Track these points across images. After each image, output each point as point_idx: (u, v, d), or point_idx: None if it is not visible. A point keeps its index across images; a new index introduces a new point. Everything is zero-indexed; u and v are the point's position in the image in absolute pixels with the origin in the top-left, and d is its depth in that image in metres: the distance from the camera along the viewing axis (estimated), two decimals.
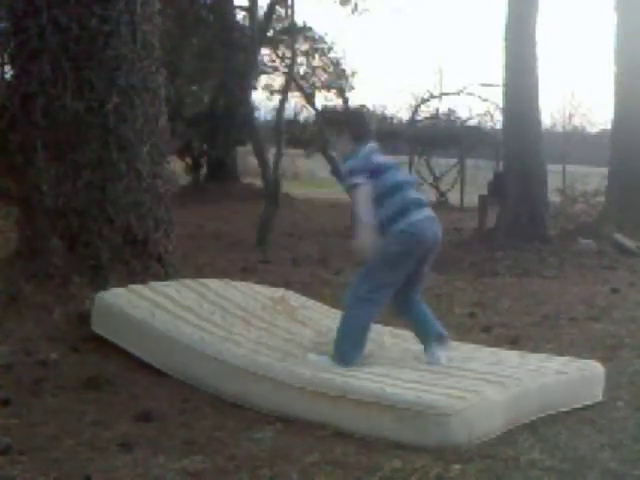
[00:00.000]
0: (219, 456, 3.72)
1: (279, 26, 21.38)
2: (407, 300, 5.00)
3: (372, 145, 4.95)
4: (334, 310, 6.12)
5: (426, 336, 4.97)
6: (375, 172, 4.75)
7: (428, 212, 5.01)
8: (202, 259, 9.97)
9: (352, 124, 5.02)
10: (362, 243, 4.68)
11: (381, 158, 4.91)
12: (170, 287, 5.79)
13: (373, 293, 4.74)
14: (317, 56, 24.20)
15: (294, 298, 6.16)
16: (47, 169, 6.21)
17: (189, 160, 23.18)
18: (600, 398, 4.67)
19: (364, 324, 4.80)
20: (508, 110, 13.37)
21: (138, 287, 5.69)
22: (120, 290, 5.61)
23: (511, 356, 5.04)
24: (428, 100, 22.76)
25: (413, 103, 23.32)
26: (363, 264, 4.83)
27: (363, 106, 26.57)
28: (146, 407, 4.35)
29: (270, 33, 20.13)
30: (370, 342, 5.29)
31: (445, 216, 19.55)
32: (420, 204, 4.94)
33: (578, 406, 4.51)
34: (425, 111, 23.73)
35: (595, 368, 4.80)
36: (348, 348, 4.72)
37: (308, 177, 31.83)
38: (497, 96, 17.28)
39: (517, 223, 12.51)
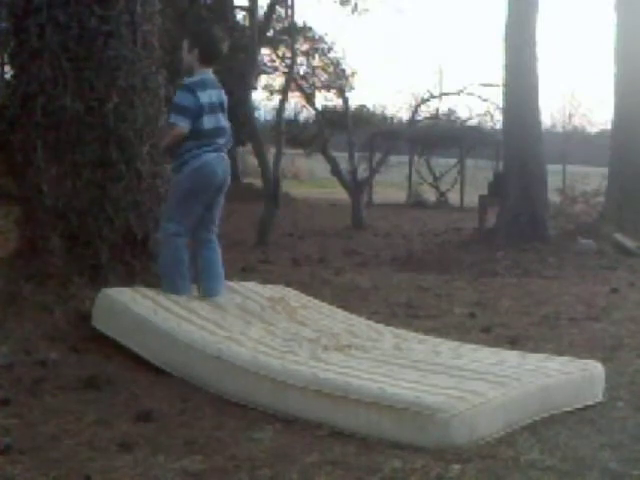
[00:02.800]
0: (219, 456, 3.72)
1: (279, 26, 21.40)
2: (199, 239, 5.65)
3: (207, 77, 5.41)
4: (334, 310, 6.13)
5: (202, 284, 5.63)
6: (196, 113, 5.31)
7: (222, 155, 5.69)
8: None
9: (203, 43, 5.40)
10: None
11: (206, 96, 5.37)
12: None
13: (177, 227, 5.49)
14: (317, 56, 24.22)
15: (294, 297, 6.17)
16: (47, 169, 6.20)
17: None
18: (600, 398, 4.67)
19: (179, 256, 5.51)
20: (508, 110, 13.38)
21: (141, 288, 5.71)
22: (123, 288, 5.63)
23: (511, 356, 5.04)
24: (428, 100, 22.72)
25: (413, 103, 23.30)
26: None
27: (363, 106, 26.62)
28: (146, 407, 4.35)
29: (270, 33, 20.15)
30: (370, 342, 5.31)
31: (445, 216, 19.64)
32: (218, 149, 5.60)
33: (578, 406, 4.51)
34: (425, 111, 23.70)
35: (595, 368, 4.80)
36: (175, 280, 5.49)
37: (308, 177, 31.86)
38: (497, 96, 17.30)
39: (517, 223, 12.52)
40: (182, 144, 5.45)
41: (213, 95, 5.48)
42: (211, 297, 5.59)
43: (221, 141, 5.65)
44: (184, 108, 5.34)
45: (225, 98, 5.68)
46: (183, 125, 5.36)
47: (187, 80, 5.43)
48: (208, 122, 5.46)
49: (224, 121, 5.66)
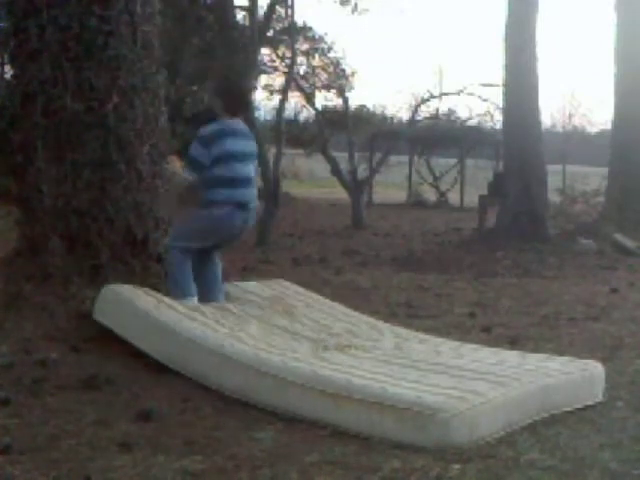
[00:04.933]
0: (219, 456, 3.72)
1: (279, 26, 21.39)
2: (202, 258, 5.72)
3: (230, 127, 5.44)
4: (334, 307, 6.13)
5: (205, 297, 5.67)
6: (214, 162, 5.37)
7: (246, 206, 5.58)
8: None
9: (230, 94, 5.49)
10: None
11: (231, 144, 5.38)
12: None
13: (184, 247, 5.61)
14: (317, 56, 24.22)
15: (294, 295, 6.17)
16: (47, 169, 6.20)
17: None
18: (600, 398, 4.67)
19: (185, 264, 5.59)
20: (508, 110, 13.39)
21: (142, 288, 5.72)
22: (126, 285, 5.65)
23: (511, 356, 5.04)
24: (428, 100, 22.73)
25: (413, 103, 23.31)
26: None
27: (363, 106, 26.62)
28: (146, 407, 4.35)
29: (270, 33, 20.14)
30: (370, 341, 5.31)
31: (445, 216, 19.64)
32: (241, 199, 5.54)
33: (578, 406, 4.51)
34: (425, 111, 23.71)
35: (595, 368, 4.80)
36: (184, 284, 5.55)
37: (308, 177, 31.86)
38: (497, 96, 17.29)
39: (517, 223, 12.52)
40: (208, 189, 5.55)
41: (238, 144, 5.52)
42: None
43: (245, 192, 5.57)
44: (196, 161, 5.52)
45: (255, 148, 5.70)
46: (187, 176, 5.66)
47: (204, 130, 5.53)
48: (229, 170, 5.48)
49: (251, 171, 5.65)
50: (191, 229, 5.69)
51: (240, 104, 5.56)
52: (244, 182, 5.52)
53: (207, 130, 5.49)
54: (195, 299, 5.54)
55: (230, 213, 5.51)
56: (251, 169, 5.61)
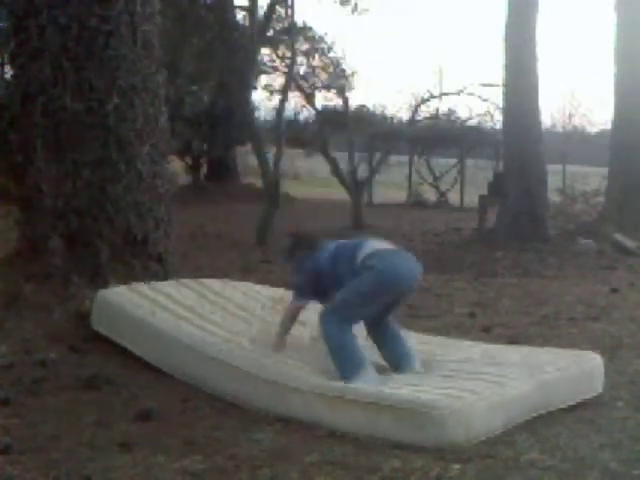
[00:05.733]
0: (219, 456, 3.72)
1: (279, 26, 21.37)
2: (379, 323, 4.85)
3: (319, 254, 4.81)
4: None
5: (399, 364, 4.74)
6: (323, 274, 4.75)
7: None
8: (202, 259, 9.98)
9: (297, 248, 4.99)
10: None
11: (324, 262, 4.74)
12: (170, 287, 5.80)
13: (344, 320, 4.60)
14: (317, 56, 24.19)
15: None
16: (47, 169, 6.20)
17: (189, 160, 23.19)
18: (600, 390, 4.66)
19: (348, 338, 4.59)
20: (508, 110, 13.38)
21: (139, 286, 5.70)
22: (121, 288, 5.62)
23: (509, 353, 5.03)
24: (428, 100, 22.72)
25: (413, 103, 23.30)
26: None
27: (363, 106, 26.60)
28: (146, 407, 4.35)
29: (270, 33, 20.14)
30: (370, 341, 5.30)
31: (445, 216, 19.62)
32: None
33: (579, 400, 4.51)
34: (425, 111, 23.70)
35: (594, 360, 4.79)
36: (351, 365, 4.49)
37: (308, 177, 31.84)
38: (497, 96, 17.28)
39: (517, 223, 12.52)
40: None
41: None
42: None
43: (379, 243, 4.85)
44: (301, 285, 4.90)
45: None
46: (299, 303, 4.94)
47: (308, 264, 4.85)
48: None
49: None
50: (357, 292, 4.62)
51: (312, 243, 4.97)
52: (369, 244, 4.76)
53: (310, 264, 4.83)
54: (369, 369, 4.50)
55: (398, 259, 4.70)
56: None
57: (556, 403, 4.41)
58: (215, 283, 6.13)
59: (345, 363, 4.48)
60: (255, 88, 20.25)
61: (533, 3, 13.11)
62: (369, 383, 4.32)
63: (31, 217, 6.30)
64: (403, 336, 4.87)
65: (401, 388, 4.18)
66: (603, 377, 4.75)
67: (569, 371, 4.59)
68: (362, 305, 4.62)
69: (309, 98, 20.76)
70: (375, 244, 4.79)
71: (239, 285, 6.26)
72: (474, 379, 4.32)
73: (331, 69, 24.07)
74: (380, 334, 4.84)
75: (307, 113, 24.28)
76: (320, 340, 5.05)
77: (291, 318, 4.98)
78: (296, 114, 24.76)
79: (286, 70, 19.90)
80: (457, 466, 3.62)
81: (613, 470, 3.64)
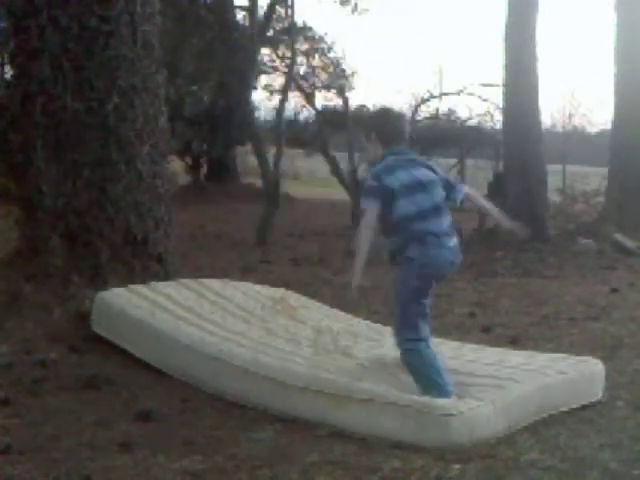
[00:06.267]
0: (219, 456, 3.72)
1: (279, 26, 21.38)
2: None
3: (395, 158, 4.40)
4: (334, 310, 6.13)
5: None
6: (387, 197, 4.29)
7: (453, 242, 4.42)
8: (202, 259, 9.98)
9: (377, 125, 4.53)
10: (352, 279, 4.41)
11: (400, 177, 4.32)
12: (170, 287, 5.80)
13: (412, 334, 4.31)
14: (317, 56, 24.19)
15: (294, 298, 6.16)
16: (47, 169, 6.21)
17: (189, 160, 23.19)
18: (600, 396, 4.66)
19: (429, 360, 4.31)
20: (508, 110, 13.38)
21: (138, 287, 5.69)
22: (120, 290, 5.61)
23: (511, 356, 5.04)
24: (428, 100, 22.75)
25: (413, 103, 23.32)
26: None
27: (363, 106, 26.57)
28: (146, 407, 4.35)
29: (270, 33, 20.14)
30: (370, 342, 5.31)
31: None
32: (446, 233, 4.39)
33: (579, 404, 4.51)
34: (425, 111, 23.72)
35: (595, 365, 4.80)
36: (435, 385, 4.22)
37: (308, 177, 31.83)
38: (497, 96, 17.28)
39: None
40: (389, 240, 4.46)
41: (405, 176, 4.36)
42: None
43: (441, 221, 4.40)
44: (371, 189, 4.35)
45: (429, 174, 4.46)
46: (371, 206, 4.32)
47: (372, 169, 4.48)
48: (407, 206, 4.31)
49: (434, 199, 4.40)
50: (402, 301, 4.37)
51: (393, 133, 4.52)
52: (423, 215, 4.36)
53: (375, 169, 4.45)
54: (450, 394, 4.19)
55: (435, 246, 4.32)
56: (424, 198, 4.38)
57: (557, 406, 4.41)
58: (215, 283, 6.13)
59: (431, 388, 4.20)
60: (255, 88, 20.25)
61: (533, 3, 13.11)
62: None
63: (31, 217, 6.30)
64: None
65: (403, 388, 4.18)
66: (604, 382, 4.75)
67: (570, 375, 4.59)
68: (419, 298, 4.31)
69: (309, 98, 20.77)
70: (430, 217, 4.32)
71: (239, 285, 6.25)
72: (477, 382, 4.32)
73: (331, 69, 24.07)
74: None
75: (307, 113, 24.29)
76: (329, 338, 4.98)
77: (367, 230, 4.33)
78: (296, 114, 24.76)
79: (286, 70, 19.90)
80: (457, 466, 3.62)
81: (613, 470, 3.65)
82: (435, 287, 4.41)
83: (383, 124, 4.53)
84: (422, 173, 4.44)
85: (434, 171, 4.51)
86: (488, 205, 4.74)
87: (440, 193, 4.45)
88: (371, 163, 4.59)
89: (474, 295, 8.41)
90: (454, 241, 4.40)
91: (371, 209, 4.30)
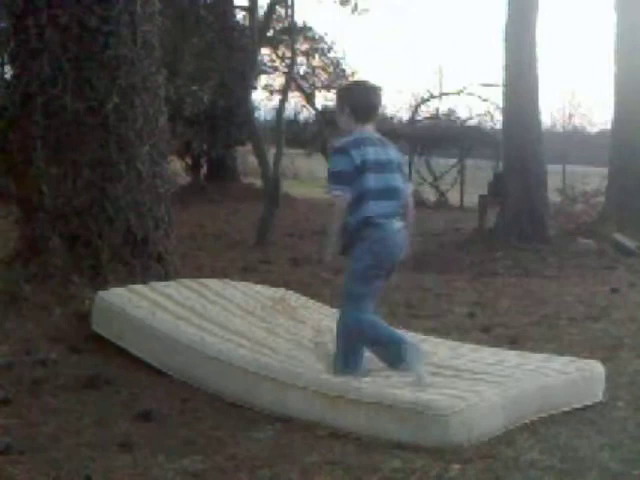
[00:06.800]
0: (219, 456, 3.72)
1: (279, 26, 21.39)
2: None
3: (365, 136, 4.54)
4: (334, 310, 6.13)
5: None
6: (359, 172, 4.45)
7: (397, 225, 4.63)
8: (202, 259, 9.98)
9: (353, 100, 4.62)
10: (325, 256, 4.66)
11: (364, 154, 4.46)
12: (170, 287, 5.80)
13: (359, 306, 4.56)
14: (317, 56, 24.22)
15: (294, 298, 6.16)
16: (47, 169, 6.21)
17: (189, 160, 23.19)
18: (600, 398, 4.66)
19: (377, 332, 4.58)
20: (508, 110, 13.37)
21: (138, 287, 5.69)
22: (120, 290, 5.61)
23: (511, 356, 5.04)
24: (428, 100, 22.78)
25: (413, 103, 23.35)
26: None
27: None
28: (146, 407, 4.35)
29: (270, 33, 20.14)
30: None
31: (445, 216, 19.60)
32: (392, 215, 4.59)
33: (578, 406, 4.51)
34: (425, 111, 23.74)
35: (595, 368, 4.80)
36: (351, 361, 4.53)
37: (308, 177, 31.83)
38: (497, 96, 17.29)
39: (517, 223, 12.51)
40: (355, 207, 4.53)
41: (375, 152, 4.53)
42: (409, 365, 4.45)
43: (394, 204, 4.60)
44: (339, 173, 4.49)
45: (397, 156, 4.69)
46: (345, 194, 4.45)
47: (339, 141, 4.66)
48: (373, 181, 4.49)
49: (395, 180, 4.62)
50: (354, 278, 4.63)
51: (367, 108, 4.64)
52: (384, 194, 4.55)
53: (343, 141, 4.61)
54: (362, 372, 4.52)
55: (388, 229, 4.56)
56: (389, 178, 4.59)
57: (557, 406, 4.41)
58: (215, 283, 6.13)
59: (347, 357, 4.52)
60: (255, 88, 20.24)
61: (533, 3, 13.11)
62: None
63: (31, 217, 6.30)
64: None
65: (403, 388, 4.18)
66: (604, 384, 4.75)
67: (571, 375, 4.59)
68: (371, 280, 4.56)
69: (309, 98, 20.79)
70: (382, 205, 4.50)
71: (239, 285, 6.25)
72: (476, 380, 4.32)
73: (331, 69, 24.10)
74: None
75: (307, 113, 24.31)
76: (323, 345, 5.02)
77: (339, 218, 4.49)
78: (296, 114, 24.77)
79: (286, 70, 19.93)
80: (457, 466, 3.62)
81: (613, 470, 3.65)
82: (387, 274, 4.68)
83: (359, 100, 4.64)
84: (390, 153, 4.64)
85: (398, 156, 4.71)
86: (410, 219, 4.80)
87: (403, 177, 4.70)
88: (342, 135, 4.71)
89: (474, 295, 8.41)
90: (404, 226, 4.67)
91: (343, 197, 4.46)
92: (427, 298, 8.12)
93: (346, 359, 4.54)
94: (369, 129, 4.65)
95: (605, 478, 3.58)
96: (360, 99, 4.64)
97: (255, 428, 4.13)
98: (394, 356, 4.47)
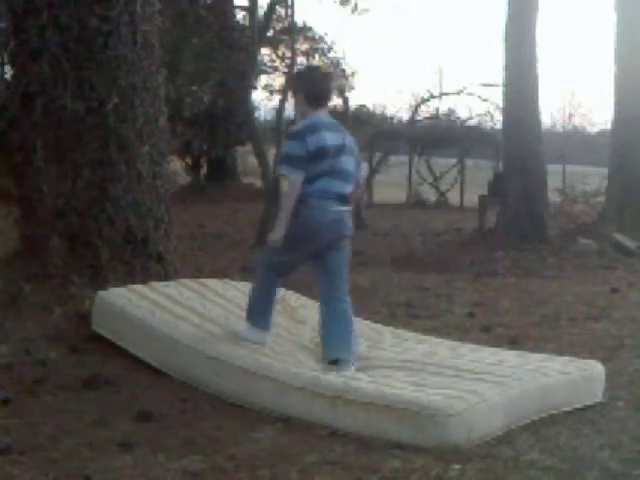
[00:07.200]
0: (219, 456, 3.72)
1: (279, 26, 21.38)
2: (324, 297, 4.92)
3: (319, 121, 4.74)
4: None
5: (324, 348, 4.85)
6: (311, 158, 4.64)
7: (342, 207, 4.82)
8: (202, 259, 9.97)
9: (307, 86, 4.83)
10: (276, 235, 4.76)
11: (319, 140, 4.65)
12: (170, 287, 5.80)
13: (271, 261, 4.93)
14: (317, 56, 24.21)
15: (294, 298, 6.16)
16: (47, 169, 6.21)
17: (189, 160, 23.19)
18: (600, 398, 4.66)
19: (268, 290, 4.98)
20: (508, 110, 13.38)
21: (138, 287, 5.69)
22: (120, 290, 5.61)
23: (511, 356, 5.04)
24: (428, 100, 22.75)
25: (413, 103, 23.32)
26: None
27: (363, 106, 26.59)
28: (146, 407, 4.35)
29: (270, 33, 20.13)
30: (370, 342, 5.31)
31: (445, 216, 19.61)
32: (339, 197, 4.79)
33: (578, 406, 4.51)
34: (425, 111, 23.71)
35: (595, 368, 4.80)
36: (256, 313, 4.96)
37: None
38: (497, 96, 17.27)
39: (517, 223, 12.51)
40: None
41: (328, 137, 4.72)
42: (331, 364, 4.71)
43: (337, 185, 4.77)
44: (292, 156, 4.68)
45: (349, 140, 4.90)
46: (295, 176, 4.64)
47: (294, 127, 4.88)
48: (323, 165, 4.69)
49: (345, 163, 4.81)
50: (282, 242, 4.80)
51: (320, 94, 4.84)
52: (334, 177, 4.75)
53: (298, 126, 4.81)
54: (265, 335, 4.95)
55: (319, 211, 4.73)
56: (339, 161, 4.77)
57: (557, 406, 4.41)
58: (215, 283, 6.13)
59: (256, 311, 4.94)
60: (255, 88, 20.24)
61: (533, 3, 13.11)
62: (257, 343, 4.81)
63: (31, 217, 6.30)
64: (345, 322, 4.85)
65: (403, 388, 4.18)
66: (604, 384, 4.75)
67: (571, 375, 4.59)
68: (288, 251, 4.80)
69: None
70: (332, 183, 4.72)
71: (239, 285, 6.25)
72: (476, 380, 4.32)
73: (331, 69, 24.06)
74: (324, 306, 4.90)
75: None
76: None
77: (292, 200, 4.66)
78: (296, 114, 24.75)
79: (286, 70, 19.92)
80: (457, 466, 3.62)
81: (613, 470, 3.65)
82: (325, 249, 4.80)
83: (312, 86, 4.84)
84: (344, 137, 4.85)
85: (350, 140, 4.91)
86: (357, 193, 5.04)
87: (356, 160, 4.91)
88: (302, 117, 4.89)
89: (474, 295, 8.41)
90: (346, 207, 4.82)
91: (297, 180, 4.64)
92: (427, 298, 8.12)
93: (256, 311, 4.95)
94: (323, 113, 4.85)
95: (605, 478, 3.58)
96: (314, 85, 4.85)
97: (255, 428, 4.13)
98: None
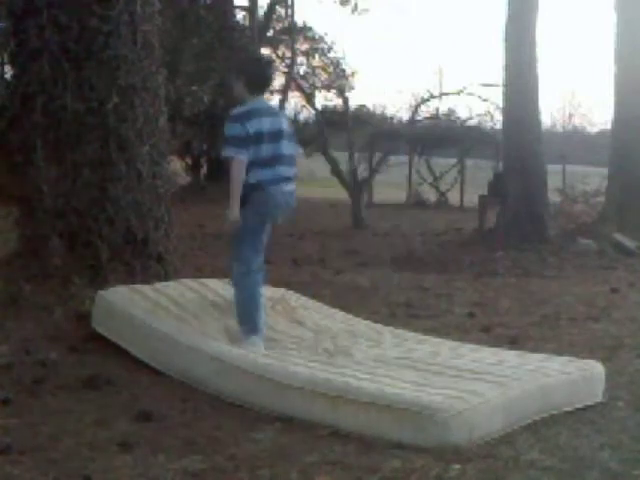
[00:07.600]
0: (219, 456, 3.72)
1: (279, 26, 21.40)
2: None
3: (258, 106, 5.01)
4: (334, 310, 6.13)
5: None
6: (251, 141, 4.89)
7: (290, 187, 5.16)
8: (202, 259, 9.97)
9: (249, 72, 5.09)
10: (233, 214, 4.94)
11: (257, 125, 4.91)
12: (170, 287, 5.79)
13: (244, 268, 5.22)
14: (317, 56, 24.23)
15: (294, 298, 6.16)
16: (47, 169, 6.21)
17: (189, 160, 23.20)
18: (600, 398, 4.66)
19: (254, 293, 5.23)
20: (508, 110, 13.38)
21: (139, 286, 5.69)
22: (121, 288, 5.62)
23: (511, 356, 5.04)
24: (428, 100, 22.70)
25: (413, 103, 23.29)
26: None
27: (363, 106, 26.60)
28: (146, 407, 4.35)
29: (270, 33, 20.16)
30: (370, 341, 5.31)
31: (445, 216, 19.62)
32: (286, 180, 5.11)
33: (578, 406, 4.51)
34: (425, 111, 23.69)
35: (595, 368, 4.80)
36: (250, 319, 5.11)
37: (308, 177, 31.85)
38: (497, 96, 17.27)
39: (517, 223, 12.51)
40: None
41: (266, 122, 4.97)
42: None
43: (283, 170, 5.07)
44: (235, 138, 4.90)
45: (287, 125, 5.18)
46: (241, 157, 4.88)
47: (233, 111, 5.04)
48: (264, 150, 4.95)
49: (286, 148, 5.10)
50: (242, 235, 5.16)
51: (261, 80, 5.11)
52: (275, 161, 5.02)
53: (237, 110, 5.02)
54: (260, 341, 5.07)
55: (271, 194, 5.03)
56: (278, 146, 5.04)
57: (557, 406, 4.41)
58: (215, 283, 6.12)
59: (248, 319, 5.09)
60: None
61: (533, 3, 13.11)
62: (255, 351, 4.85)
63: (31, 217, 6.30)
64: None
65: (403, 388, 4.18)
66: (604, 384, 4.75)
67: (571, 375, 4.59)
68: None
69: (309, 98, 20.76)
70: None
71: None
72: (476, 380, 4.32)
73: (331, 69, 24.10)
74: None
75: (307, 113, 24.29)
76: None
77: (239, 181, 4.90)
78: (296, 114, 24.75)
79: (286, 70, 19.93)
80: (457, 466, 3.62)
81: (613, 470, 3.65)
82: (270, 227, 5.29)
83: (255, 73, 5.11)
84: (282, 122, 5.13)
85: (288, 125, 5.19)
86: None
87: (294, 144, 5.22)
88: (239, 101, 5.12)
89: (474, 295, 8.41)
90: (293, 187, 5.17)
91: (241, 160, 4.87)
92: (427, 298, 8.12)
93: (249, 319, 5.10)
94: (262, 99, 5.15)
95: (605, 478, 3.58)
96: (256, 72, 5.11)
97: (255, 428, 4.13)
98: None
